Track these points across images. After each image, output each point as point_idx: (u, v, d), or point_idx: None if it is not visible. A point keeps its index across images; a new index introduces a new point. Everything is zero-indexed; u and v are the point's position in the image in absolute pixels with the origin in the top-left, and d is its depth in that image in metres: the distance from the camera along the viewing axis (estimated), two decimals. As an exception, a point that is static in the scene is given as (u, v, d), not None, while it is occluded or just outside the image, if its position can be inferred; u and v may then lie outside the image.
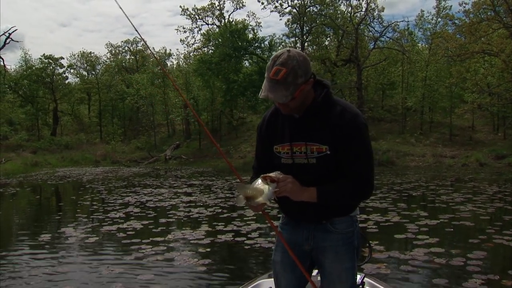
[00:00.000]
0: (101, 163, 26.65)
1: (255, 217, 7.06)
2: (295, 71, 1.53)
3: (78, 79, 40.88)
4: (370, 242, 2.03)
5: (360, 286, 2.10)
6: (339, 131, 1.60)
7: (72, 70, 39.03)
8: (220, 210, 7.94)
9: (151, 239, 5.70)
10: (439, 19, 26.02)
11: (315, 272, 1.85)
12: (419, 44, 30.15)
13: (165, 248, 5.23)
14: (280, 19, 54.66)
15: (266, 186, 1.56)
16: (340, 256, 1.71)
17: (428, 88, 24.20)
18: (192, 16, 30.93)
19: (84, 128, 37.60)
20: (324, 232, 1.71)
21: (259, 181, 1.58)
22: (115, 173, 19.57)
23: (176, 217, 7.44)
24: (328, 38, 29.23)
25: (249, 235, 5.73)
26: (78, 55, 40.00)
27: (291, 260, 1.72)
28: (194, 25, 31.68)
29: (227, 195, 10.27)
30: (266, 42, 26.69)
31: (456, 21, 21.85)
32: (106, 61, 42.07)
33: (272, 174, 1.58)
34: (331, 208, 1.69)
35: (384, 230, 5.95)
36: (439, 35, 23.74)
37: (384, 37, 24.93)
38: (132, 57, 44.50)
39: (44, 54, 34.62)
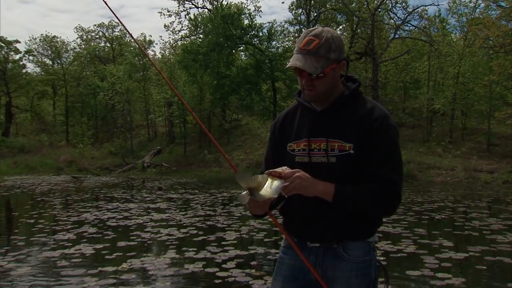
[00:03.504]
0: (65, 171, 26.46)
1: (235, 241, 6.90)
2: (329, 44, 1.65)
3: (39, 68, 40.75)
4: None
5: None
6: (367, 128, 1.67)
7: (31, 57, 38.85)
8: (195, 232, 7.75)
9: (99, 269, 5.43)
10: (480, 2, 25.55)
11: None
12: (452, 34, 29.91)
13: (114, 281, 4.95)
14: (283, 2, 54.62)
15: (274, 181, 1.60)
16: None
17: (461, 87, 23.92)
18: (179, -4, 30.73)
19: (47, 128, 37.43)
20: (334, 258, 1.70)
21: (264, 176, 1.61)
22: (79, 183, 19.43)
23: (139, 239, 7.22)
24: (341, 27, 29.07)
25: (223, 265, 5.51)
26: (40, 39, 39.87)
27: None
28: (181, 8, 31.53)
29: (208, 212, 10.11)
30: (265, 30, 26.50)
31: (502, 3, 21.26)
32: (75, 48, 42.00)
33: (278, 169, 1.62)
34: (346, 226, 1.69)
35: (394, 264, 5.64)
36: (478, 21, 23.30)
37: (408, 25, 24.70)
38: (108, 45, 44.51)
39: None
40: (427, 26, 25.33)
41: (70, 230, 7.94)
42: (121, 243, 6.92)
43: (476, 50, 23.17)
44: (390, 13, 24.62)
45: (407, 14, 23.86)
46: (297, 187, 1.60)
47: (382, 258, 5.59)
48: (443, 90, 25.42)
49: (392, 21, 24.93)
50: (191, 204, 11.63)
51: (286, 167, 1.66)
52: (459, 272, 5.28)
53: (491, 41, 21.01)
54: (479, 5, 25.80)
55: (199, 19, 28.41)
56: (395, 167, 1.66)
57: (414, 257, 5.94)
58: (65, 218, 9.36)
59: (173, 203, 11.95)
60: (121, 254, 6.23)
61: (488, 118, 23.06)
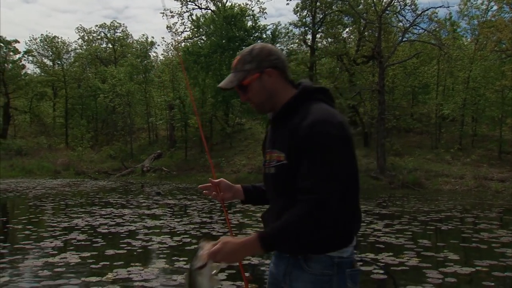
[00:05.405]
0: (62, 174, 26.45)
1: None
2: (244, 58, 1.79)
3: (39, 69, 40.82)
4: None
5: None
6: (295, 137, 1.67)
7: (31, 58, 38.90)
8: (188, 240, 7.65)
9: (82, 279, 5.32)
10: (492, 4, 25.25)
11: None
12: (463, 38, 29.65)
13: (96, 293, 4.81)
14: (288, 3, 54.45)
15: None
16: None
17: (471, 93, 23.63)
18: (181, -3, 30.70)
19: (46, 131, 37.43)
20: (298, 269, 1.72)
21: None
22: (75, 187, 19.43)
23: (129, 247, 7.12)
24: (347, 30, 28.92)
25: (214, 276, 5.27)
26: (40, 40, 40.01)
27: None
28: (184, 9, 31.50)
29: (204, 219, 10.01)
30: (269, 32, 26.37)
31: (516, 5, 20.98)
32: (76, 49, 42.10)
33: (200, 255, 1.61)
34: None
35: (394, 278, 5.45)
36: (490, 24, 23.06)
37: (417, 28, 24.45)
38: (110, 46, 44.61)
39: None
40: (437, 29, 25.03)
41: (58, 237, 7.84)
42: (109, 251, 6.82)
43: (488, 54, 22.91)
44: (399, 15, 24.44)
45: (416, 17, 23.62)
46: (221, 260, 1.60)
47: (381, 272, 5.41)
48: (453, 95, 25.18)
49: (401, 23, 24.74)
50: (187, 211, 11.54)
51: (207, 246, 1.62)
52: (465, 288, 5.10)
53: (503, 45, 20.72)
54: (492, 7, 25.54)
55: (202, 20, 28.36)
56: (323, 179, 1.58)
57: (416, 270, 5.76)
58: (54, 224, 9.25)
59: (169, 209, 11.86)
60: (107, 263, 6.11)
61: (499, 125, 22.79)
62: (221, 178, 2.08)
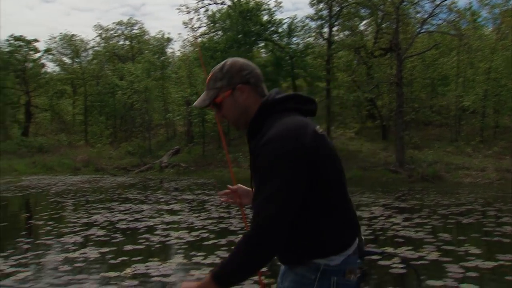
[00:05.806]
0: (82, 171, 26.73)
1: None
2: (215, 75, 1.77)
3: (58, 67, 41.31)
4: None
5: None
6: (253, 158, 1.69)
7: (50, 56, 39.40)
8: (206, 235, 7.66)
9: (101, 274, 5.40)
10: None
11: None
12: (484, 27, 29.15)
13: (114, 288, 4.85)
14: (304, -3, 53.93)
15: None
16: None
17: (493, 83, 23.22)
18: (197, -7, 30.74)
19: (66, 128, 37.90)
20: (288, 269, 1.77)
21: None
22: (95, 183, 19.61)
23: (147, 243, 7.17)
24: (364, 22, 28.61)
25: (231, 272, 5.30)
26: (59, 38, 40.47)
27: None
28: (200, 4, 31.56)
29: (222, 214, 9.98)
30: (285, 26, 26.19)
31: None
32: (94, 47, 42.47)
33: None
34: (287, 248, 1.69)
35: (414, 272, 5.40)
36: (512, 12, 22.66)
37: (436, 18, 24.08)
38: (127, 43, 44.89)
39: (13, 35, 34.85)
40: (456, 20, 24.59)
41: (78, 233, 7.95)
42: (128, 247, 6.88)
43: (510, 43, 22.45)
44: (417, 6, 24.07)
45: (434, 7, 23.23)
46: None
47: (400, 266, 5.34)
48: (473, 86, 24.74)
49: (419, 15, 24.37)
50: (205, 206, 11.53)
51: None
52: (487, 283, 5.00)
53: (526, 33, 20.28)
54: (514, -5, 25.04)
55: (217, 15, 28.37)
56: (264, 201, 1.55)
57: (436, 265, 5.68)
58: (75, 220, 9.39)
59: (187, 204, 11.88)
60: (126, 258, 6.17)
61: (523, 116, 22.44)
62: (239, 184, 2.10)
